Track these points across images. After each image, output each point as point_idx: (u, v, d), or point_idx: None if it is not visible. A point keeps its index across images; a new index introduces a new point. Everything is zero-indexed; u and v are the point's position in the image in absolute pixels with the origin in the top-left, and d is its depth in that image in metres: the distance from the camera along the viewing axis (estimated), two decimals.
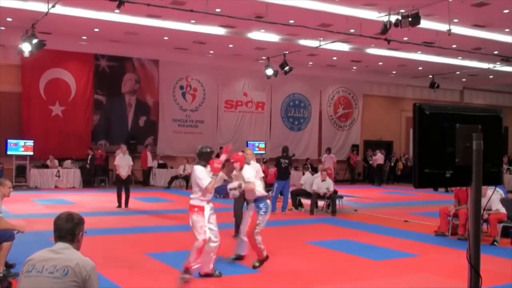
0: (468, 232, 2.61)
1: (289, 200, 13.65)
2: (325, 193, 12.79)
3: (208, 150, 6.38)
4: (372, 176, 23.69)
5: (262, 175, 8.09)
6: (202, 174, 6.15)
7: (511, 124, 24.53)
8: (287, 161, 13.10)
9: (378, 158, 23.14)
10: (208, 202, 6.27)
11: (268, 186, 16.44)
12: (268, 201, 7.12)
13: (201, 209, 6.18)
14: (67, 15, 14.75)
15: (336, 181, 16.29)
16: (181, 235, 8.85)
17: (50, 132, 18.79)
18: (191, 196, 6.31)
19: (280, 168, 13.13)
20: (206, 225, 6.16)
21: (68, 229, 3.17)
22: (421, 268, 7.24)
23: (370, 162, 23.63)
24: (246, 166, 7.56)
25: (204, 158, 6.30)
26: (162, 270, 6.86)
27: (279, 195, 13.18)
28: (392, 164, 24.33)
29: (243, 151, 7.46)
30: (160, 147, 20.93)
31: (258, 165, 8.02)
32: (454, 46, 17.11)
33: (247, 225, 7.06)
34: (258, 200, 7.00)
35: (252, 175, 7.29)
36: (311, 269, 7.11)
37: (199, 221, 6.12)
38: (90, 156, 18.50)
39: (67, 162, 18.71)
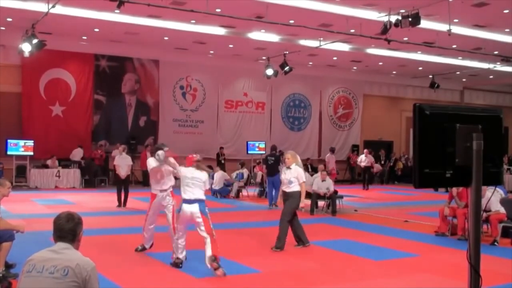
0: (468, 232, 2.60)
1: None
2: (325, 193, 12.79)
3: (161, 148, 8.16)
4: (363, 178, 20.85)
5: (303, 180, 8.32)
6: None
7: (511, 124, 24.55)
8: (273, 158, 14.13)
9: (366, 159, 20.58)
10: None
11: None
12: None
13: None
14: (67, 15, 14.75)
15: (336, 181, 16.27)
16: None
17: (50, 132, 18.79)
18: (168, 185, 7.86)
19: (267, 165, 14.37)
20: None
21: (70, 228, 3.16)
22: (421, 268, 7.24)
23: (358, 163, 21.40)
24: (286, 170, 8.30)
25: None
26: (162, 270, 6.86)
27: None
28: (392, 164, 24.32)
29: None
30: None
31: (299, 169, 8.34)
32: (454, 46, 17.12)
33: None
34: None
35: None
36: (311, 269, 7.10)
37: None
38: (81, 156, 18.54)
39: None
